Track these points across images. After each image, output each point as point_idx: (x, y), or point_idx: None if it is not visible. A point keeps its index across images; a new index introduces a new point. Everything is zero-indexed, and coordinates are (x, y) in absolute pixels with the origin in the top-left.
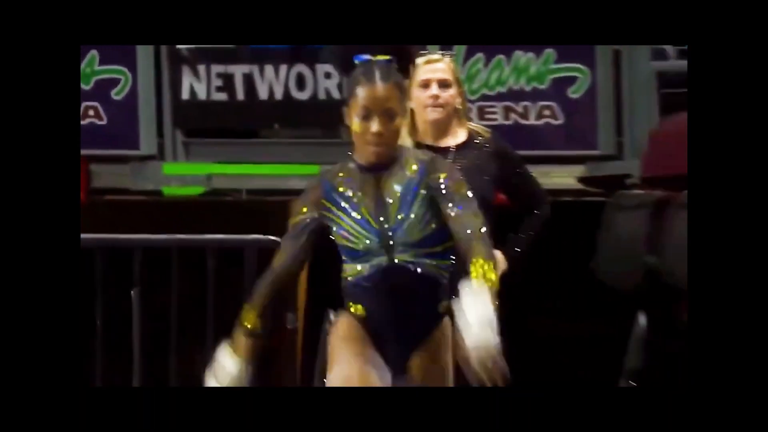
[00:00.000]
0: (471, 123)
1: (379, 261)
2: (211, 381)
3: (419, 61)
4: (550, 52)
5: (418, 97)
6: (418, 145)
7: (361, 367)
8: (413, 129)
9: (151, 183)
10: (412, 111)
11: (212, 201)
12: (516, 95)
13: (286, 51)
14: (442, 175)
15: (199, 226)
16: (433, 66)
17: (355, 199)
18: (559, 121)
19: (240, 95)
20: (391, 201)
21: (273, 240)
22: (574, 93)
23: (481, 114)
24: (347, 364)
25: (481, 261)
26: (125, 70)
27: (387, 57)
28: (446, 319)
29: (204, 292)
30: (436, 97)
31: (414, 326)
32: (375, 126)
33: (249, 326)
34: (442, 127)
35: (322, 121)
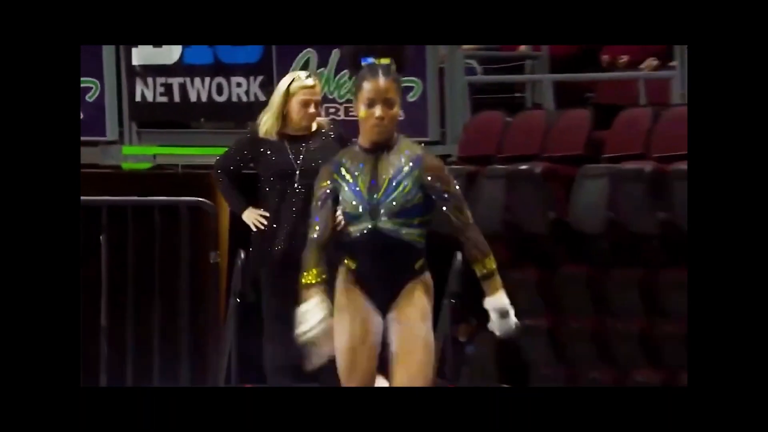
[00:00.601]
0: (319, 117)
1: (366, 225)
2: (308, 329)
3: (299, 84)
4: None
5: (295, 104)
6: (282, 132)
7: (357, 307)
8: (284, 120)
9: (113, 160)
10: (288, 107)
11: (157, 173)
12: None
13: (209, 67)
14: (433, 174)
15: (148, 191)
16: (313, 88)
17: (356, 173)
18: (402, 117)
19: (176, 98)
20: (384, 178)
21: (201, 201)
22: (411, 98)
23: (347, 112)
24: (346, 307)
25: (485, 260)
26: (96, 80)
27: (387, 60)
28: (425, 274)
29: (152, 239)
30: (308, 103)
31: (393, 278)
32: (378, 111)
33: (316, 279)
34: (311, 120)
35: (235, 117)
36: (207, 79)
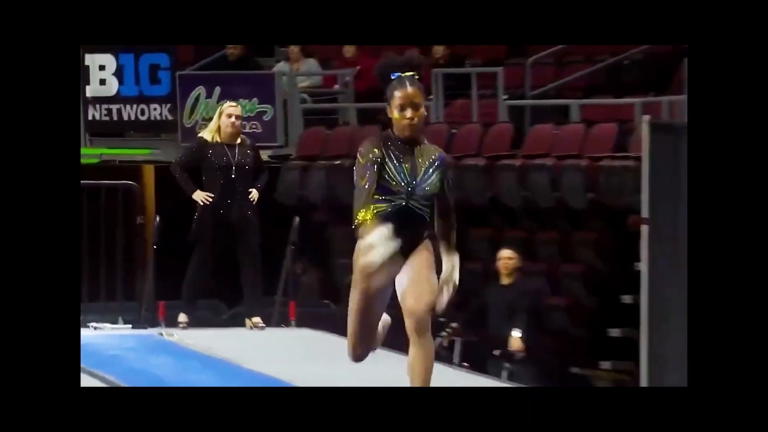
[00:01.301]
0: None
1: (400, 202)
2: (381, 251)
3: (226, 107)
4: (255, 100)
5: (225, 121)
6: (219, 144)
7: (375, 277)
8: (218, 132)
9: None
10: (221, 121)
11: (103, 166)
12: (246, 118)
13: (136, 97)
14: (451, 170)
15: (97, 178)
16: (235, 108)
17: (402, 157)
18: (260, 130)
19: (115, 117)
20: (422, 168)
21: (131, 184)
22: (267, 117)
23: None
24: (366, 275)
25: (452, 232)
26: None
27: (412, 72)
28: (428, 240)
29: (99, 209)
30: (235, 120)
31: (409, 244)
32: (408, 113)
33: (372, 215)
34: (236, 130)
35: (153, 130)
36: (134, 105)
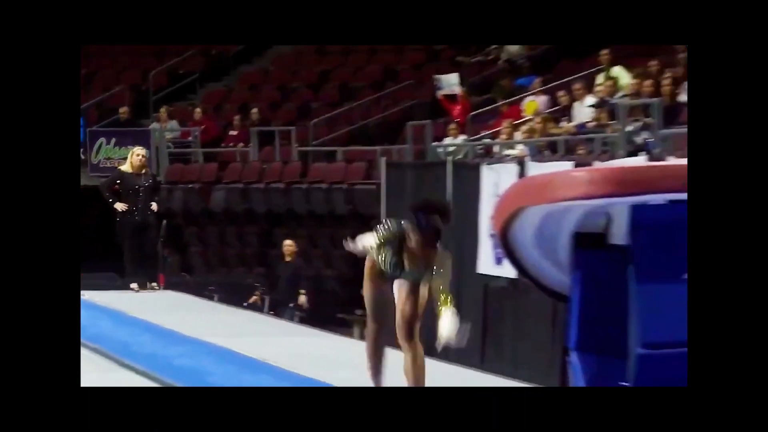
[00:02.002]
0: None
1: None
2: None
3: (135, 150)
4: (138, 146)
5: (135, 158)
6: (131, 173)
7: (378, 287)
8: (130, 165)
9: None
10: (132, 159)
11: None
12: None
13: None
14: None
15: None
16: (143, 150)
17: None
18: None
19: None
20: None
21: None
22: (146, 156)
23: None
24: (370, 285)
25: (446, 294)
26: None
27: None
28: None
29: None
30: (141, 158)
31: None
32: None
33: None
34: (142, 163)
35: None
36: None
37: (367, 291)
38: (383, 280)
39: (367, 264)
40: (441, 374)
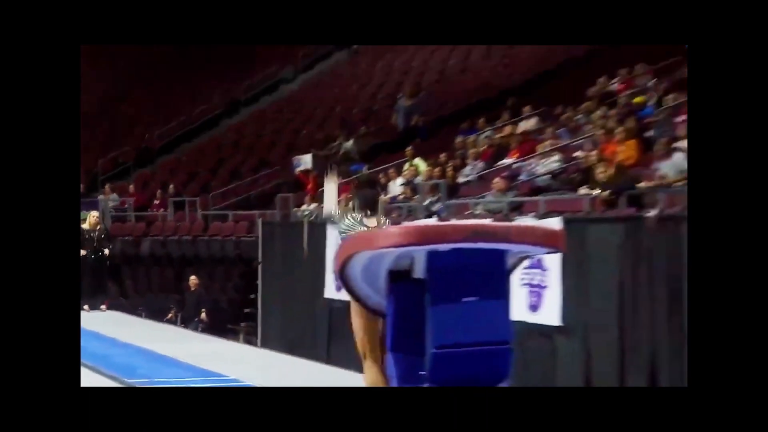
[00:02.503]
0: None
1: None
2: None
3: (88, 215)
4: (92, 212)
5: (91, 219)
6: (89, 229)
7: (365, 319)
8: (88, 224)
9: None
10: (90, 219)
11: None
12: None
13: None
14: None
15: None
16: (96, 213)
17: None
18: None
19: None
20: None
21: None
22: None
23: None
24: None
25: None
26: None
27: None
28: None
29: None
30: (94, 219)
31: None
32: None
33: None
34: (97, 224)
35: None
36: None
37: (358, 331)
38: (371, 314)
39: (353, 310)
40: (295, 367)
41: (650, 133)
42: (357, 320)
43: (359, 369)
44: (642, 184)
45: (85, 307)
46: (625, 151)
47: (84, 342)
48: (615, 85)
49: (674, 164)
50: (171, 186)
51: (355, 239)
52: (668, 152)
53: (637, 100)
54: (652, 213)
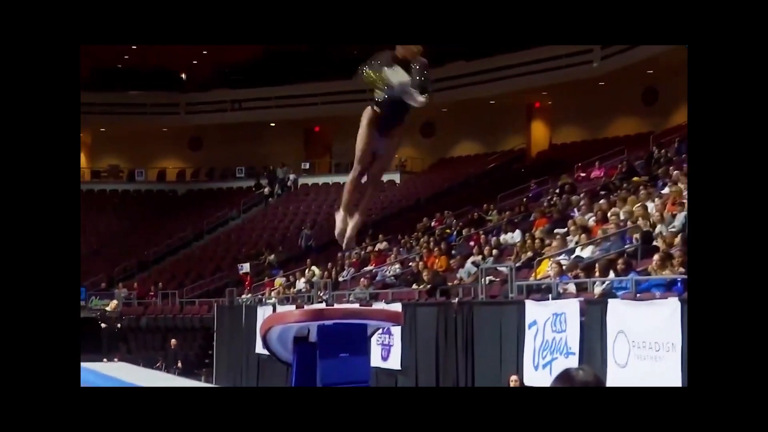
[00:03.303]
0: None
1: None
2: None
3: None
4: None
5: (113, 301)
6: None
7: (373, 132)
8: (112, 306)
9: None
10: None
11: None
12: None
13: None
14: None
15: None
16: None
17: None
18: None
19: None
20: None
21: None
22: None
23: None
24: (368, 130)
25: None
26: None
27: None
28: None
29: None
30: (115, 303)
31: (398, 116)
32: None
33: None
34: (116, 307)
35: None
36: None
37: (361, 139)
38: (377, 133)
39: (366, 116)
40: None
41: (453, 252)
42: (359, 141)
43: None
44: (449, 283)
45: (105, 359)
46: (439, 263)
47: (96, 380)
48: (433, 222)
49: (467, 270)
50: (160, 284)
51: (272, 317)
52: (463, 263)
53: (446, 231)
54: (455, 300)
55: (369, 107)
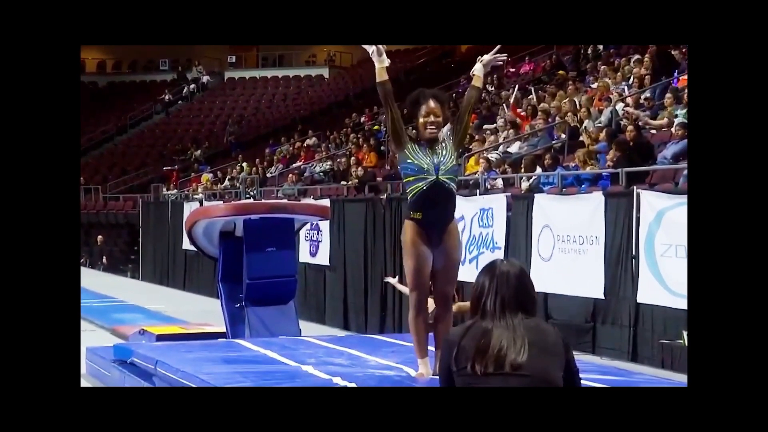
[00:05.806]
0: None
1: (432, 179)
2: None
3: None
4: None
5: None
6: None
7: (421, 249)
8: None
9: None
10: None
11: None
12: None
13: None
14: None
15: None
16: None
17: (424, 150)
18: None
19: None
20: (439, 152)
21: None
22: None
23: None
24: (414, 249)
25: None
26: None
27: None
28: (454, 220)
29: None
30: None
31: (444, 220)
32: (431, 119)
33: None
34: None
35: None
36: None
37: (409, 260)
38: (426, 247)
39: (407, 231)
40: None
41: (383, 148)
42: (408, 263)
43: (209, 294)
44: (378, 179)
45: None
46: (369, 159)
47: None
48: (363, 118)
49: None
50: (82, 178)
51: (197, 211)
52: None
53: (375, 128)
54: (383, 196)
55: (407, 221)
